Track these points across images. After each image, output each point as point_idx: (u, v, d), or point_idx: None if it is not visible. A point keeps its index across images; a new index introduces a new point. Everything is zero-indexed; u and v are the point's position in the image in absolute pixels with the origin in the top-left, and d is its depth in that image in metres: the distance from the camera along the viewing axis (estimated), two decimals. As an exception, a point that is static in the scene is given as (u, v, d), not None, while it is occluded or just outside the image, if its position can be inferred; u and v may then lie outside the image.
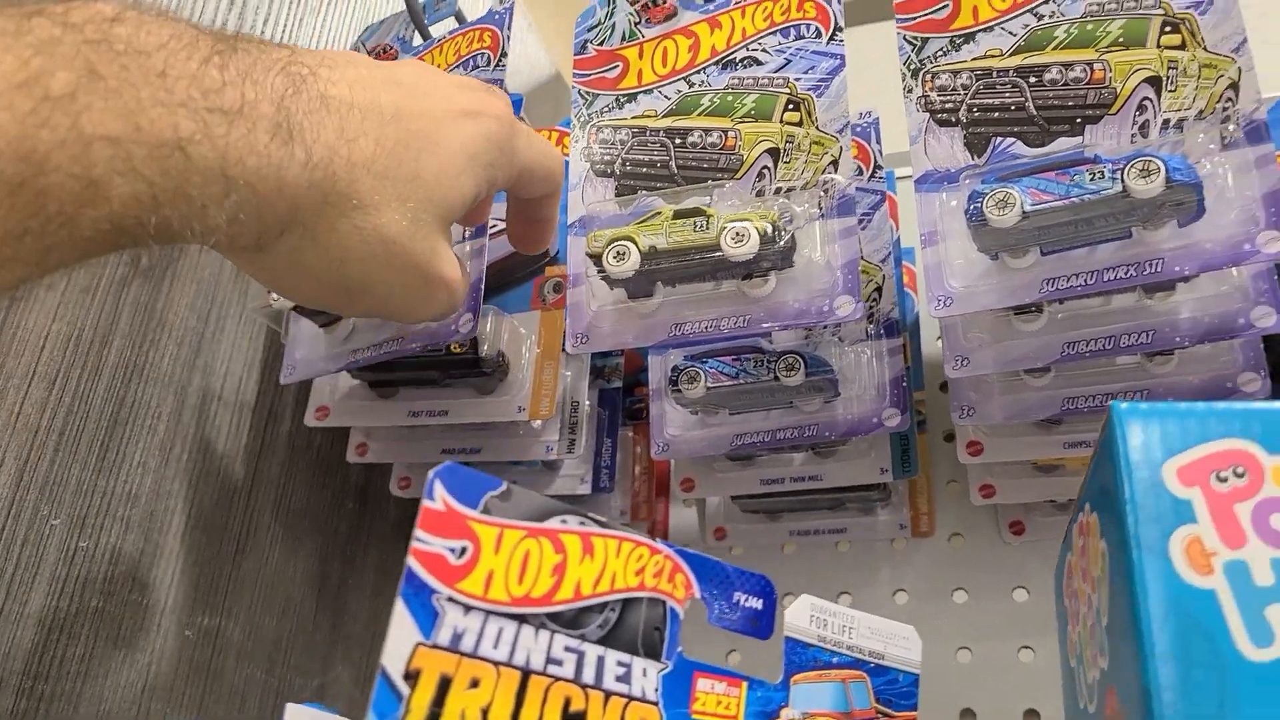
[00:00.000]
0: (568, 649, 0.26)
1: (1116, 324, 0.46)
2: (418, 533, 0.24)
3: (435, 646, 0.24)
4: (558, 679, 0.26)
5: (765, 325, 0.47)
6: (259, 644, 0.55)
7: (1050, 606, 0.61)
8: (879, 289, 0.56)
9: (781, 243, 0.45)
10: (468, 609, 0.25)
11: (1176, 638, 0.25)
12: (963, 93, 0.47)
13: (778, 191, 0.49)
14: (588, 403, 0.61)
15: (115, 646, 0.46)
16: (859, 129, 0.60)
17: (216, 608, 0.52)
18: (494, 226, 0.59)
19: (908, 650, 0.33)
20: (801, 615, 0.32)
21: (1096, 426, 0.52)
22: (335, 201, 0.33)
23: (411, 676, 0.24)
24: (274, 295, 0.53)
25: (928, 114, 0.48)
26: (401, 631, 0.24)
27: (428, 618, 0.24)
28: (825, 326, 0.51)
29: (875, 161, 0.59)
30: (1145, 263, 0.42)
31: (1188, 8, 0.44)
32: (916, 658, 0.33)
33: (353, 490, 0.65)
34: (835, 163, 0.48)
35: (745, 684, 0.29)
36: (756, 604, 0.30)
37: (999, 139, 0.46)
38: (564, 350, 0.54)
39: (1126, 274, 0.42)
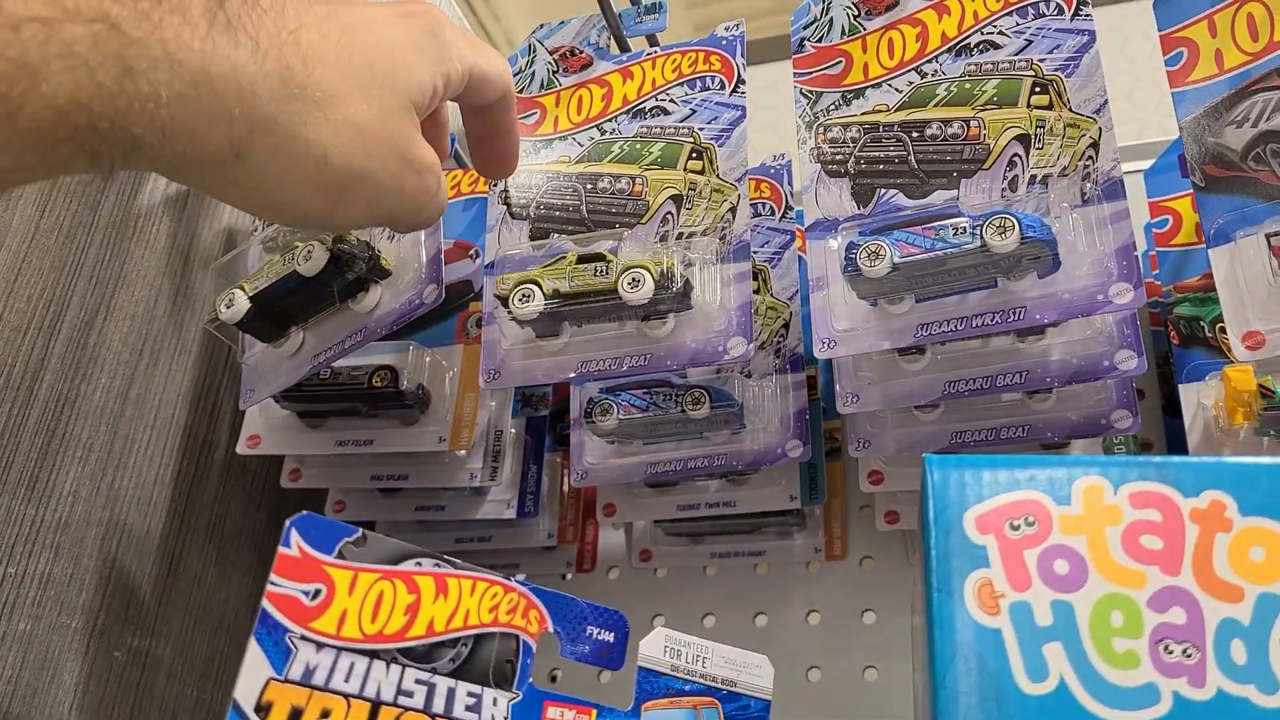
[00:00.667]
0: (419, 681, 0.29)
1: (993, 365, 0.49)
2: (273, 577, 0.27)
3: (287, 681, 0.27)
4: (408, 709, 0.28)
5: (666, 364, 0.50)
6: (190, 662, 0.57)
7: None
8: (786, 325, 0.59)
9: (675, 287, 0.48)
10: (320, 646, 0.27)
11: (964, 672, 0.27)
12: (851, 145, 0.50)
13: (680, 236, 0.52)
14: (513, 430, 0.64)
15: (43, 669, 0.48)
16: (772, 170, 0.63)
17: (146, 629, 0.55)
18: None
19: (759, 678, 0.36)
20: (655, 646, 0.34)
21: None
22: (299, 94, 0.32)
23: (263, 709, 0.26)
24: (222, 305, 0.53)
25: (819, 164, 0.50)
26: (254, 667, 0.26)
27: (280, 655, 0.27)
28: (724, 364, 0.54)
29: (786, 202, 0.62)
30: (1010, 310, 0.45)
31: (1056, 69, 0.47)
32: (768, 684, 0.36)
33: (288, 513, 0.67)
34: (733, 210, 0.51)
35: (594, 711, 0.32)
36: (608, 636, 0.32)
37: (883, 190, 0.49)
38: (482, 382, 0.56)
39: (993, 320, 0.45)
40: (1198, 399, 0.53)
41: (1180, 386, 0.54)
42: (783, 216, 0.62)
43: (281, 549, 0.27)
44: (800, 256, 0.62)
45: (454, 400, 0.58)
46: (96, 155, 0.27)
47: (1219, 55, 0.49)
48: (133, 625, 0.54)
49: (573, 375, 0.51)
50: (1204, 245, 0.50)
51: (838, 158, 0.50)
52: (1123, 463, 0.30)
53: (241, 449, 0.59)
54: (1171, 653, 0.27)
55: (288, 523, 0.27)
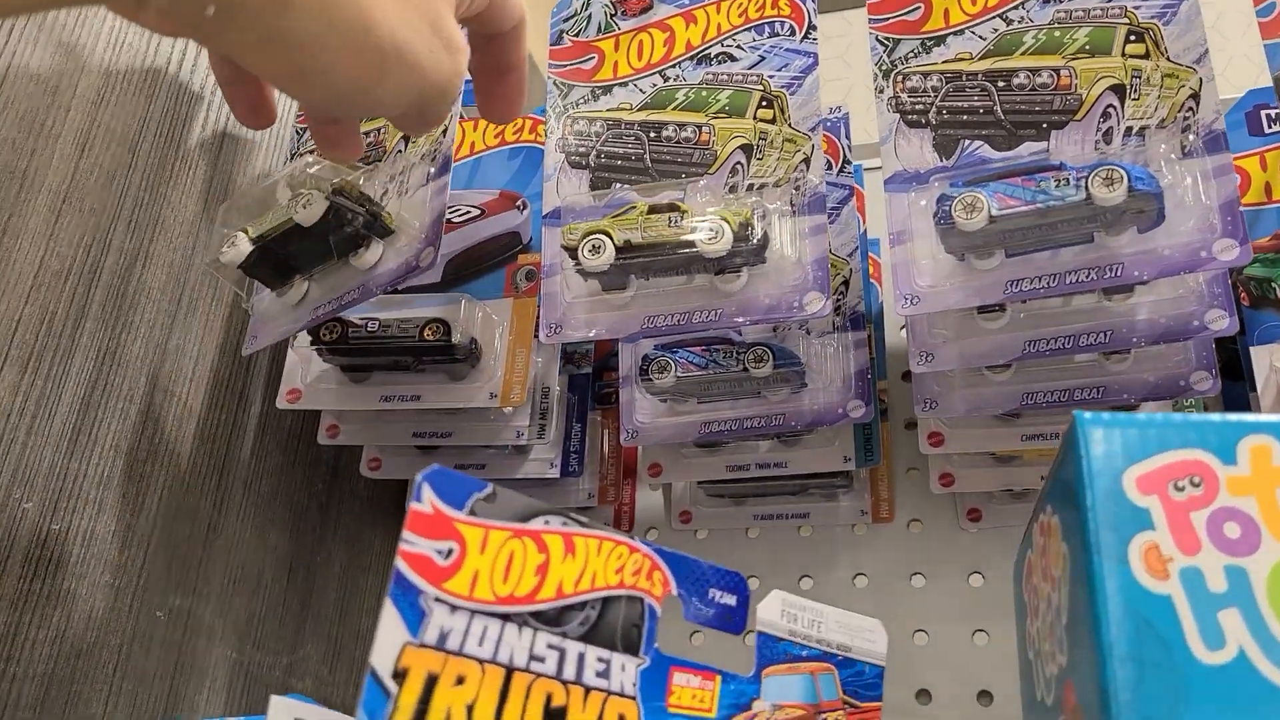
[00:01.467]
0: (550, 646, 0.27)
1: (1076, 324, 0.48)
2: (405, 534, 0.25)
3: (422, 645, 0.25)
4: (540, 675, 0.27)
5: (737, 320, 0.48)
6: (230, 623, 0.56)
7: (1005, 591, 0.63)
8: (846, 282, 0.57)
9: (754, 240, 0.46)
10: (454, 608, 0.25)
11: (1133, 640, 0.26)
12: (932, 95, 0.48)
13: (750, 188, 0.50)
14: (558, 388, 0.62)
15: (87, 629, 0.46)
16: (829, 124, 0.61)
17: (188, 588, 0.53)
18: (465, 214, 0.59)
19: (873, 644, 0.34)
20: (773, 610, 0.33)
21: (1054, 420, 0.54)
22: None
23: (400, 675, 0.24)
24: (225, 247, 0.50)
25: (898, 115, 0.49)
26: (390, 631, 0.24)
27: (415, 617, 0.25)
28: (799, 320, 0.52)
29: (844, 156, 0.60)
30: (1106, 267, 0.43)
31: (1152, 18, 0.46)
32: (882, 650, 0.34)
33: (323, 470, 0.65)
34: (807, 160, 0.49)
35: (719, 677, 0.31)
36: (730, 600, 0.31)
37: (967, 142, 0.47)
38: (535, 337, 0.54)
39: (1088, 277, 0.44)
40: (1270, 361, 0.52)
41: (1251, 349, 0.53)
42: (840, 171, 0.60)
43: (414, 505, 0.25)
44: (856, 215, 0.60)
45: (504, 355, 0.56)
46: None
47: (1318, 7, 0.47)
48: (174, 585, 0.52)
49: (638, 330, 0.49)
50: (1275, 204, 0.48)
51: (918, 108, 0.48)
52: (1287, 421, 0.28)
53: (281, 404, 0.57)
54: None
55: (419, 476, 0.26)
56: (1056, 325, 0.48)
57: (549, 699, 0.27)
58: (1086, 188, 0.41)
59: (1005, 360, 0.48)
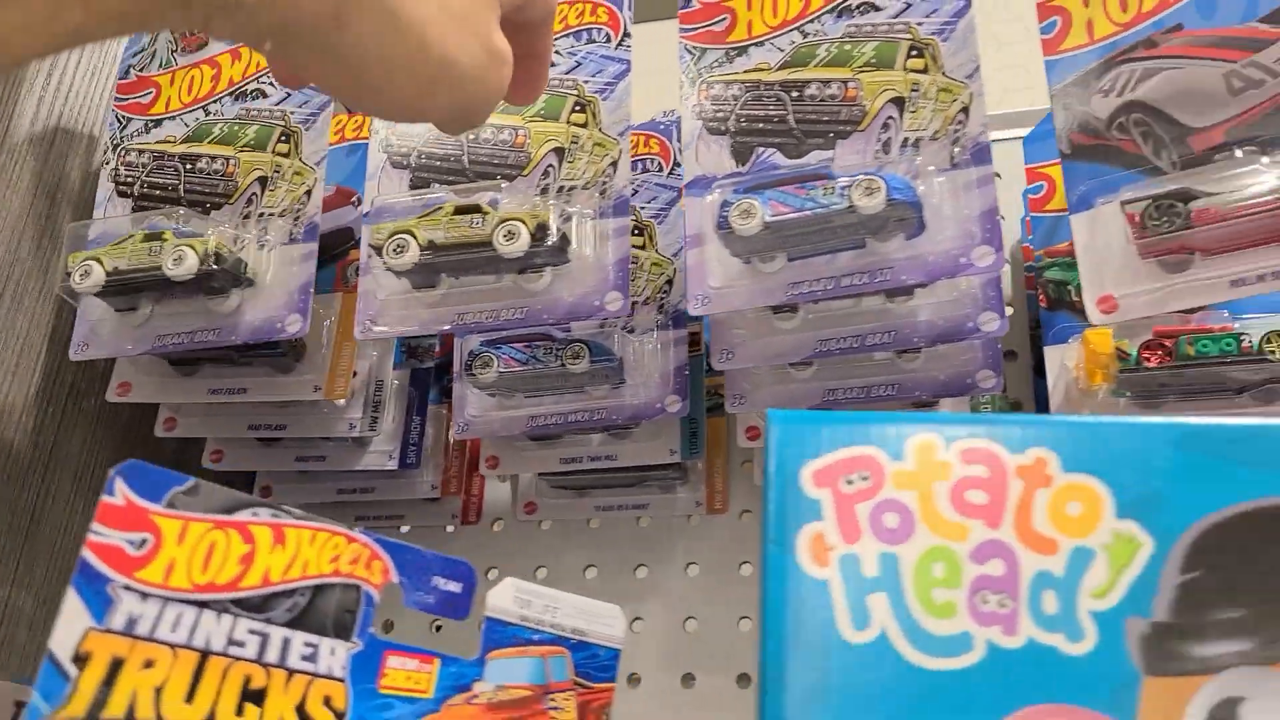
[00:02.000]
0: (251, 631, 0.28)
1: (864, 324, 0.50)
2: (94, 526, 0.26)
3: (108, 631, 0.26)
4: (238, 659, 0.28)
5: (542, 318, 0.50)
6: (53, 614, 0.56)
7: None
8: (670, 281, 0.59)
9: (551, 241, 0.48)
10: (145, 596, 0.27)
11: (791, 622, 0.28)
12: (733, 103, 0.50)
13: (560, 190, 0.51)
14: (395, 382, 0.63)
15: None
16: (661, 126, 0.63)
17: (6, 579, 0.53)
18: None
19: (611, 628, 0.36)
20: (505, 597, 0.34)
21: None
22: None
23: (81, 659, 0.26)
24: (77, 275, 0.51)
25: (700, 121, 0.50)
26: (71, 617, 0.26)
27: (100, 604, 0.26)
28: (607, 320, 0.54)
29: (675, 158, 0.62)
30: (877, 271, 0.46)
31: (932, 34, 0.48)
32: (619, 634, 0.36)
33: (166, 463, 0.66)
34: (615, 164, 0.51)
35: (438, 660, 0.32)
36: (455, 587, 0.32)
37: (761, 149, 0.49)
38: (361, 333, 0.56)
39: (861, 280, 0.46)
40: (1061, 361, 0.55)
41: (1046, 349, 0.56)
42: (670, 173, 0.62)
43: (105, 498, 0.27)
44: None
45: (331, 349, 0.57)
46: (190, 5, 0.26)
47: (1090, 25, 0.50)
48: (-8, 575, 0.52)
49: (448, 327, 0.51)
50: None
51: (719, 115, 0.50)
52: (956, 420, 0.31)
53: (111, 396, 0.58)
54: (988, 603, 0.28)
55: (112, 471, 0.27)
56: (846, 326, 0.50)
57: (247, 681, 0.28)
58: (849, 197, 0.43)
59: (799, 359, 0.51)
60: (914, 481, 0.30)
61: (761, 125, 0.49)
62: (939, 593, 0.28)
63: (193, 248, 0.50)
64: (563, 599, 0.36)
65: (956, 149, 0.46)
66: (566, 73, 0.54)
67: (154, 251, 0.50)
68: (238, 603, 0.28)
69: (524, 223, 0.47)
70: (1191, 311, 0.53)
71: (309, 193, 0.54)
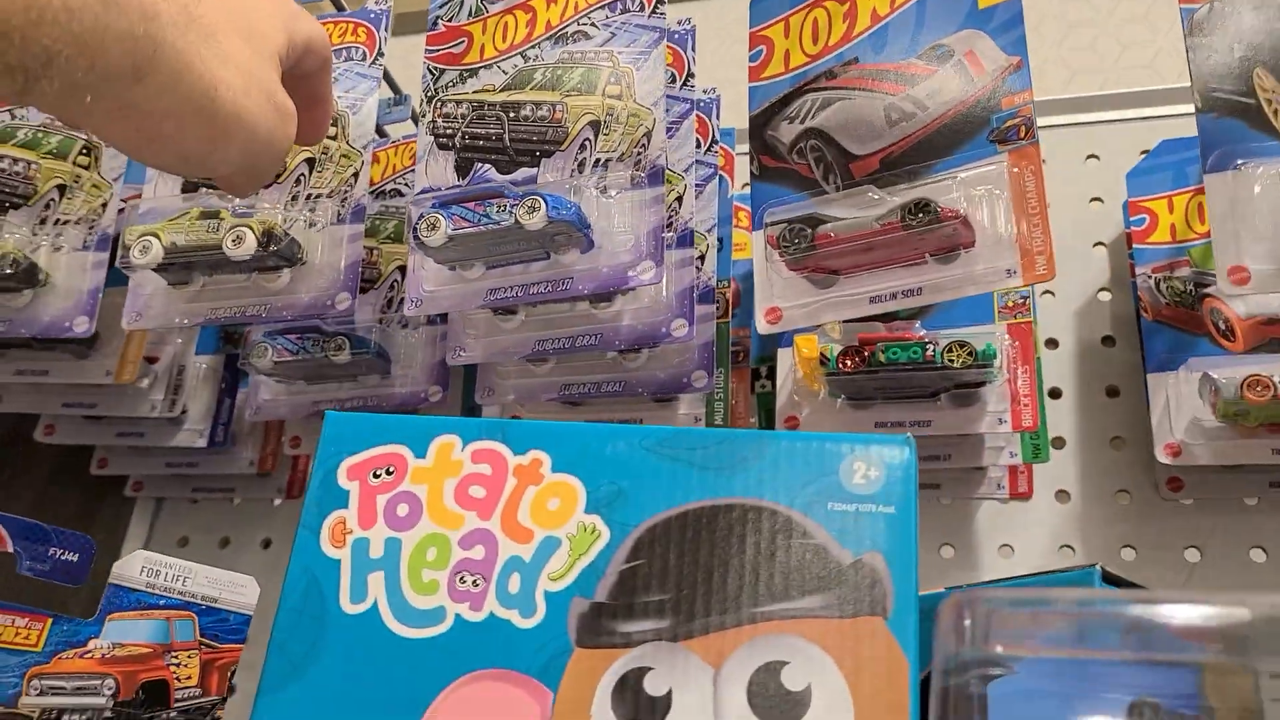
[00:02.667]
0: None
1: (575, 327, 0.55)
2: None
3: None
4: None
5: (283, 315, 0.55)
6: None
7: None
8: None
9: (278, 245, 0.52)
10: None
11: (300, 595, 0.33)
12: (460, 121, 0.55)
13: (309, 197, 0.56)
14: (204, 365, 0.69)
15: None
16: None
17: None
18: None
19: (243, 595, 0.41)
20: (132, 567, 0.39)
21: (599, 407, 0.61)
22: (193, 24, 0.33)
23: None
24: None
25: (433, 137, 0.55)
26: None
27: None
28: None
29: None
30: (559, 280, 0.50)
31: (629, 63, 0.52)
32: (251, 601, 0.41)
33: (3, 437, 0.71)
34: (356, 175, 0.56)
35: (50, 619, 0.37)
36: (72, 557, 0.38)
37: (479, 165, 0.54)
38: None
39: (548, 289, 0.51)
40: (790, 363, 0.60)
41: (779, 351, 0.61)
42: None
43: None
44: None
45: (123, 337, 0.62)
46: (11, 69, 0.29)
47: (787, 55, 0.54)
48: None
49: (201, 321, 0.56)
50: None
51: (448, 132, 0.55)
52: (474, 424, 0.35)
53: (-71, 375, 0.63)
54: (465, 582, 0.33)
55: None
56: (560, 328, 0.55)
57: None
58: (514, 214, 0.48)
59: (519, 357, 0.55)
60: (429, 477, 0.35)
61: (482, 143, 0.54)
62: (427, 573, 0.33)
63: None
64: (196, 570, 0.41)
65: (638, 170, 0.50)
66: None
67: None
68: None
69: (251, 228, 0.52)
70: (890, 320, 0.57)
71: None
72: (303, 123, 0.46)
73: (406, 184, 0.65)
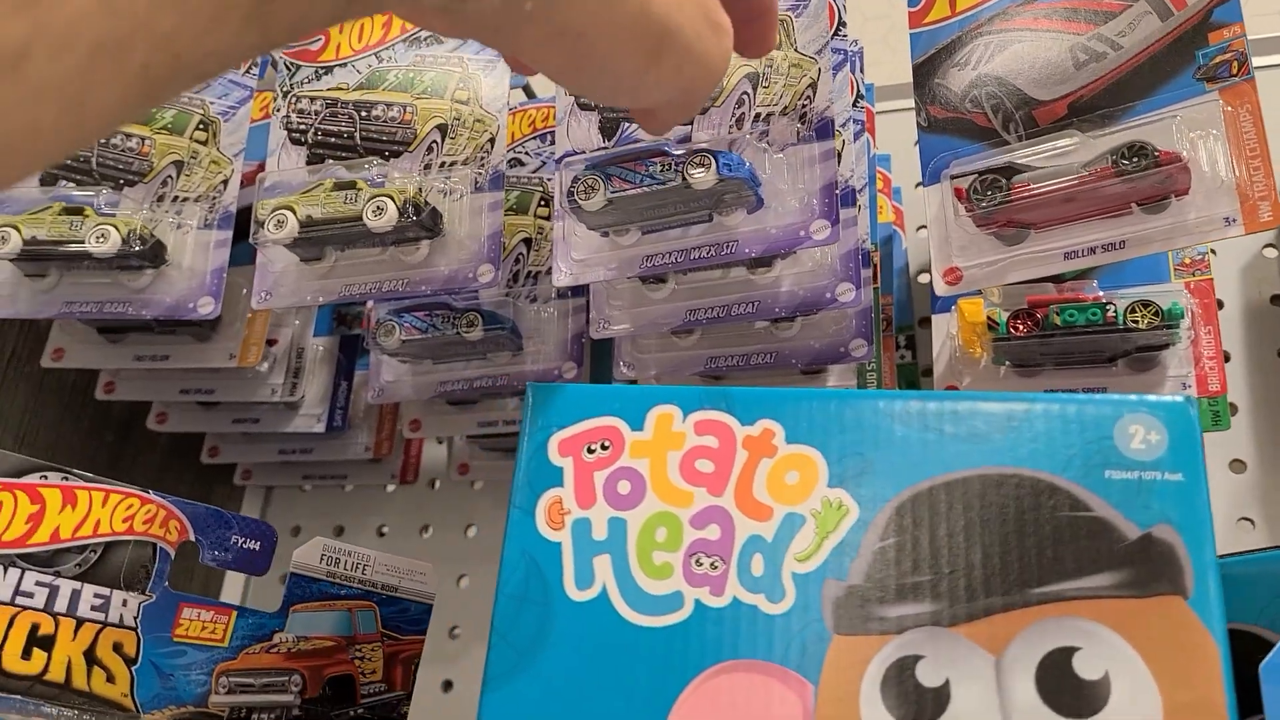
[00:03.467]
0: (39, 583, 0.31)
1: (729, 295, 0.51)
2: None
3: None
4: (26, 609, 0.31)
5: (421, 289, 0.52)
6: None
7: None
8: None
9: (419, 216, 0.50)
10: (-70, 551, 0.30)
11: (521, 581, 0.30)
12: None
13: (442, 165, 0.53)
14: (320, 348, 0.66)
15: None
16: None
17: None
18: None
19: (422, 584, 0.39)
20: (311, 555, 0.37)
21: (743, 381, 0.58)
22: None
23: None
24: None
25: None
26: None
27: (-117, 558, 0.29)
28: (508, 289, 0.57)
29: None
30: (723, 244, 0.47)
31: (787, 10, 0.49)
32: (431, 590, 0.39)
33: (113, 424, 0.70)
34: (492, 141, 0.53)
35: (235, 612, 0.35)
36: (254, 545, 0.35)
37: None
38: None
39: (709, 253, 0.48)
40: (947, 329, 0.56)
41: (934, 317, 0.57)
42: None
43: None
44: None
45: (244, 318, 0.60)
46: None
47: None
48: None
49: (336, 298, 0.53)
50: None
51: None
52: (694, 393, 0.32)
53: (46, 362, 0.62)
54: (701, 565, 0.30)
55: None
56: (713, 296, 0.52)
57: (35, 628, 0.31)
58: (682, 172, 0.45)
59: (669, 328, 0.52)
60: (649, 451, 0.32)
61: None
62: (658, 555, 0.30)
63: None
64: (374, 557, 0.38)
65: (802, 125, 0.47)
66: (453, 50, 0.56)
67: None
68: (26, 558, 0.31)
69: (392, 198, 0.50)
70: (1060, 281, 0.54)
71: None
72: (748, 37, 0.40)
73: (526, 153, 0.63)
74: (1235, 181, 0.42)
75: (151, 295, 0.56)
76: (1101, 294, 0.52)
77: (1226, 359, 0.61)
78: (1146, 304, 0.50)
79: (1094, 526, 0.29)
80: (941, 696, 0.27)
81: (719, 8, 0.34)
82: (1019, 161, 0.44)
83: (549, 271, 0.55)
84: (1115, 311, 0.50)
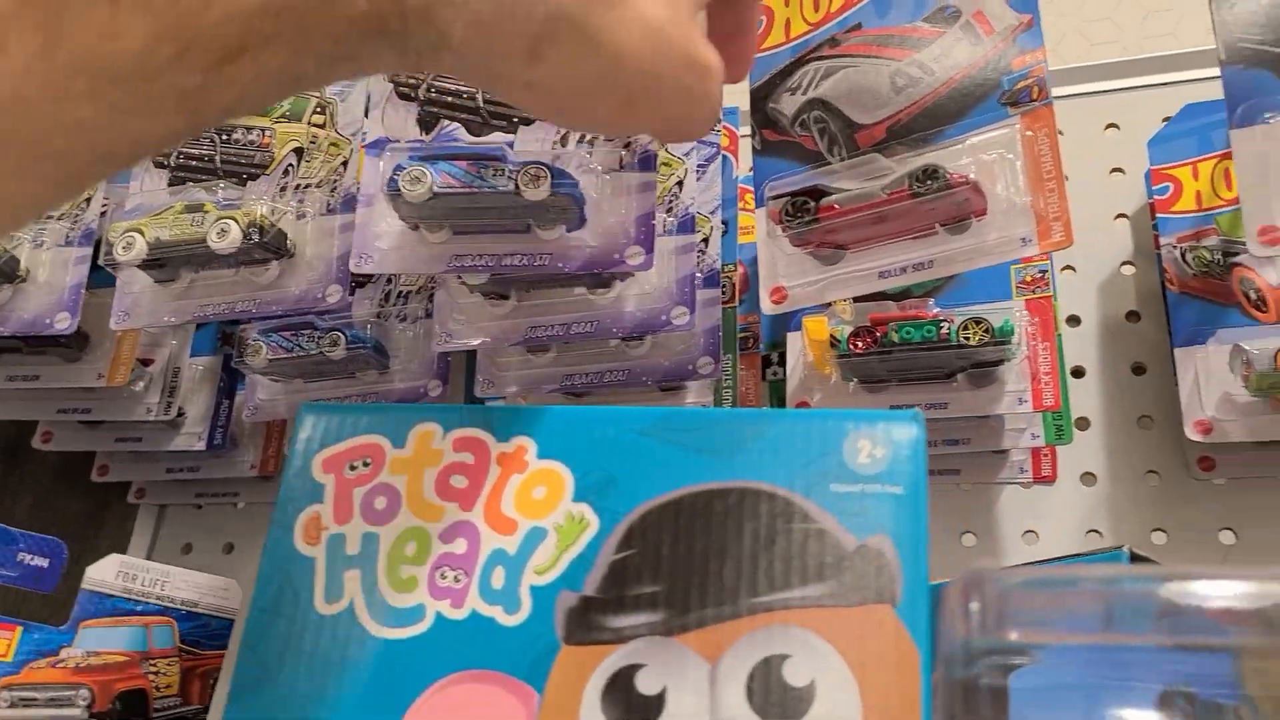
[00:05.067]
0: None
1: (571, 313, 0.52)
2: None
3: None
4: None
5: (272, 309, 0.53)
6: None
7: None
8: None
9: (264, 238, 0.51)
10: None
11: (274, 595, 0.31)
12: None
13: (298, 188, 0.54)
14: (200, 368, 0.67)
15: None
16: None
17: None
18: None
19: (225, 600, 0.39)
20: (107, 571, 0.38)
21: (604, 397, 0.59)
22: None
23: None
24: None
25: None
26: None
27: None
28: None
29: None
30: (537, 255, 0.48)
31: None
32: (234, 605, 0.39)
33: (3, 445, 0.70)
34: (345, 163, 0.54)
35: (20, 628, 0.36)
36: (42, 562, 0.36)
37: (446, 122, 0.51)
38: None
39: (521, 262, 0.48)
40: (800, 347, 0.58)
41: (788, 335, 0.59)
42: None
43: None
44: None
45: (114, 339, 0.61)
46: (405, 49, 0.26)
47: (788, 24, 0.52)
48: None
49: (190, 318, 0.54)
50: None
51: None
52: (456, 410, 0.33)
53: (-79, 383, 0.62)
54: (445, 578, 0.31)
55: None
56: (555, 314, 0.53)
57: None
58: (516, 181, 0.45)
59: (511, 344, 0.53)
60: (408, 467, 0.33)
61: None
62: (406, 569, 0.31)
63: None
64: (175, 573, 0.39)
65: (624, 153, 0.48)
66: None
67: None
68: None
69: (236, 220, 0.50)
70: (901, 299, 0.55)
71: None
72: (729, 58, 0.39)
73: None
74: (1030, 203, 0.43)
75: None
76: (938, 311, 0.53)
77: (1081, 374, 0.62)
78: (979, 321, 0.51)
79: (815, 537, 0.30)
80: (658, 704, 0.28)
81: (702, 45, 0.34)
82: (826, 184, 0.46)
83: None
84: (949, 329, 0.51)
